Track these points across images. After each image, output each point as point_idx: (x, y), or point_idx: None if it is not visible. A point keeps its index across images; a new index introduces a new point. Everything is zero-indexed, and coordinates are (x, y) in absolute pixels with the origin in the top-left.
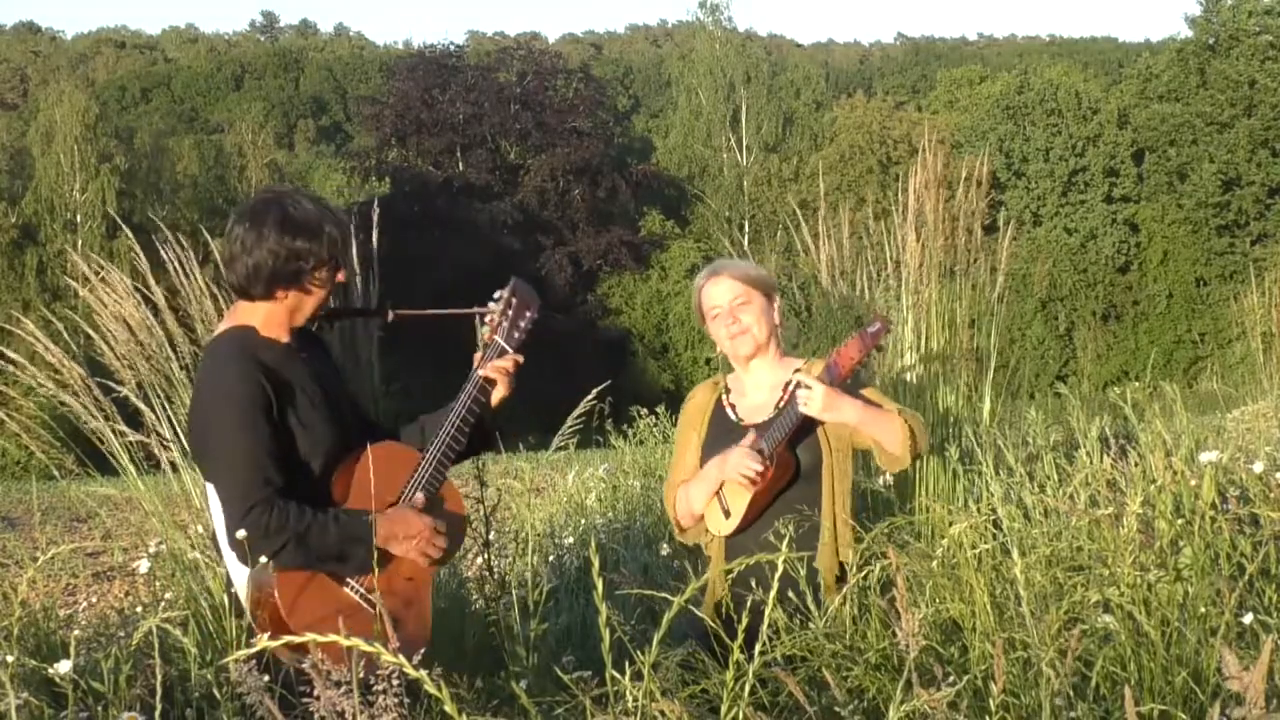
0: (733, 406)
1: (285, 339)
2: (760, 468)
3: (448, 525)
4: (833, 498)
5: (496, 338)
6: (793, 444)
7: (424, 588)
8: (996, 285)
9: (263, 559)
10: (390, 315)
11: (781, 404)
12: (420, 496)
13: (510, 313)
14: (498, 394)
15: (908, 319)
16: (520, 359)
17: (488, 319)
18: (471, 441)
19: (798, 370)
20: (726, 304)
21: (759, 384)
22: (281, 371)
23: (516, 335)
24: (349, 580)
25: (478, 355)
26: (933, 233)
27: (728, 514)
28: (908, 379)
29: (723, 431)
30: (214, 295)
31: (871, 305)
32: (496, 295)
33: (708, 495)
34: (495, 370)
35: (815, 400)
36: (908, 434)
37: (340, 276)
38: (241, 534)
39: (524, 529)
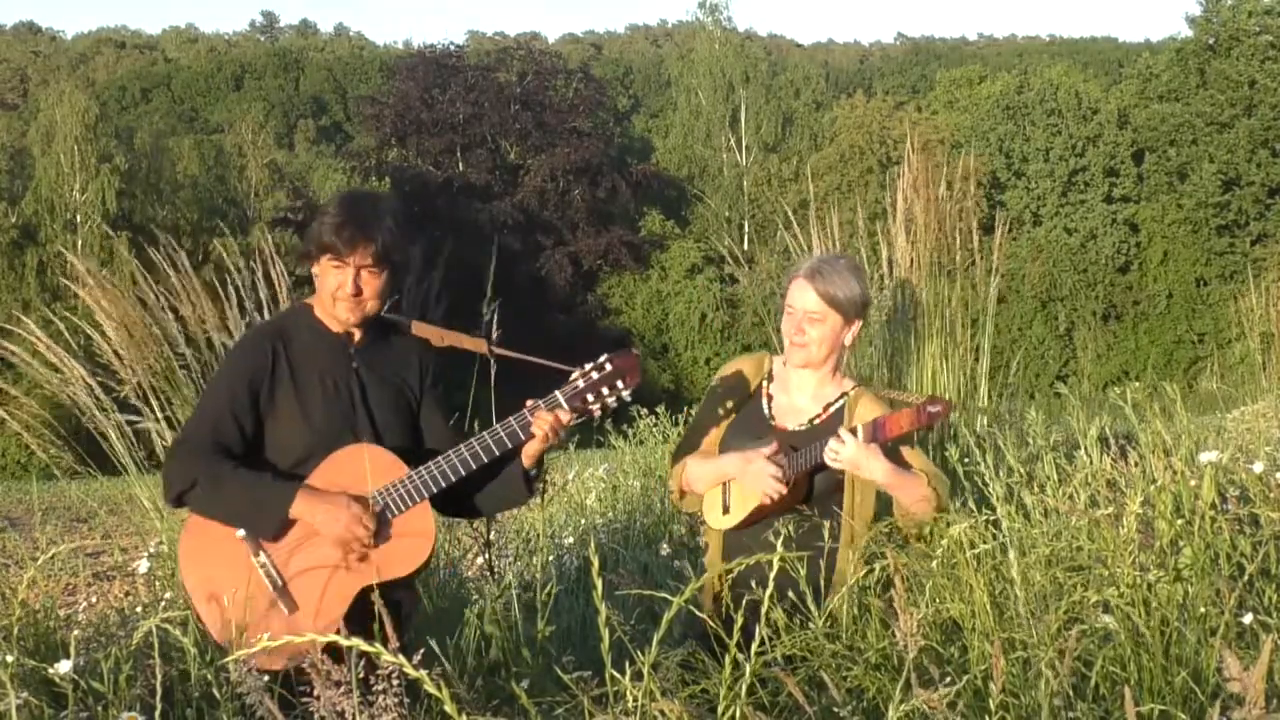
0: (770, 398)
1: (336, 328)
2: (783, 489)
3: (394, 539)
4: (851, 513)
5: (557, 392)
6: (814, 471)
7: (345, 586)
8: (993, 286)
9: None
10: (489, 352)
11: (818, 421)
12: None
13: (595, 375)
14: (532, 446)
15: (901, 319)
16: (567, 418)
17: (572, 376)
18: (495, 489)
19: (844, 395)
20: (801, 311)
21: (803, 388)
22: (305, 351)
23: (586, 401)
24: (263, 550)
25: (529, 402)
26: (922, 232)
27: (727, 510)
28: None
29: (752, 423)
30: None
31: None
32: (602, 359)
33: (714, 483)
34: (537, 421)
35: (844, 457)
36: (932, 502)
37: (345, 286)
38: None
39: (524, 529)
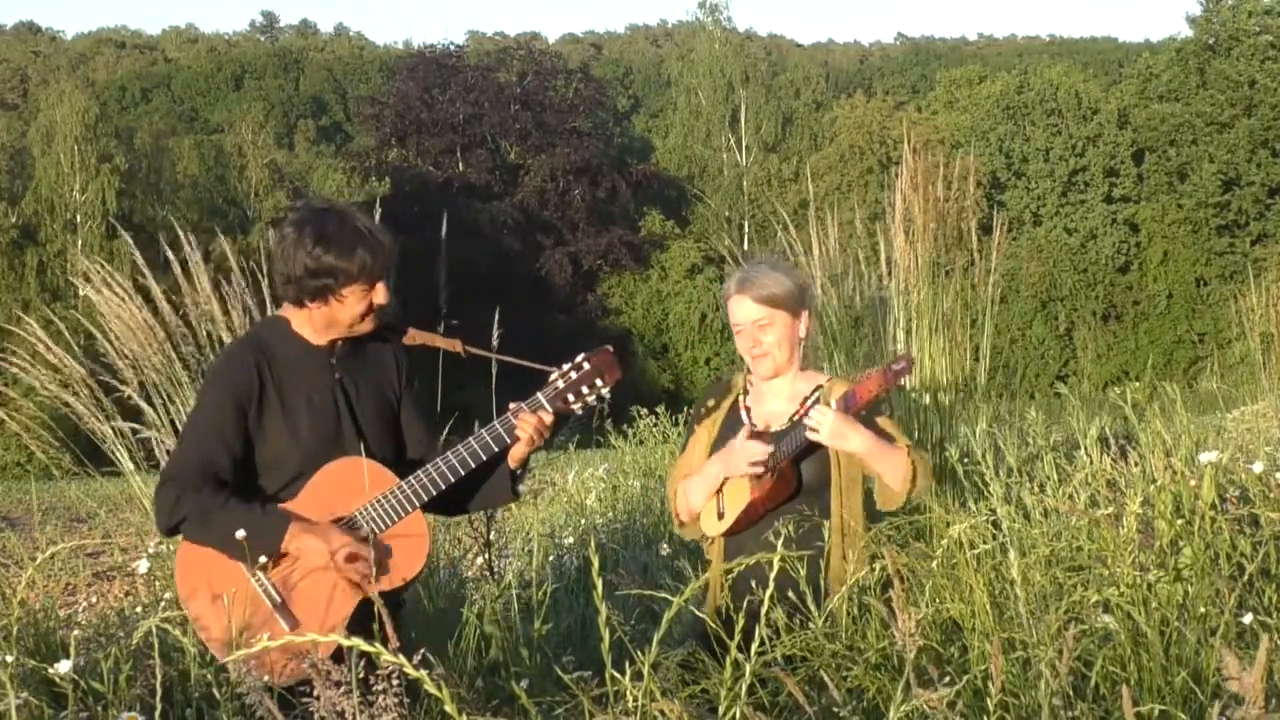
0: (748, 410)
1: (319, 341)
2: (765, 454)
3: (389, 550)
4: (841, 511)
5: (539, 394)
6: (799, 459)
7: (345, 598)
8: (989, 286)
9: (165, 530)
10: (463, 352)
11: (797, 417)
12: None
13: (574, 375)
14: (517, 450)
15: (899, 319)
16: (549, 419)
17: (551, 377)
18: (483, 490)
19: (819, 387)
20: (749, 324)
21: (777, 393)
22: (289, 368)
23: (567, 400)
24: (259, 572)
25: (513, 405)
26: (921, 233)
27: (721, 515)
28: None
29: (734, 433)
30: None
31: (867, 306)
32: (580, 358)
33: (708, 493)
34: (520, 423)
35: (824, 429)
36: (910, 474)
37: (377, 297)
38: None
39: (525, 529)
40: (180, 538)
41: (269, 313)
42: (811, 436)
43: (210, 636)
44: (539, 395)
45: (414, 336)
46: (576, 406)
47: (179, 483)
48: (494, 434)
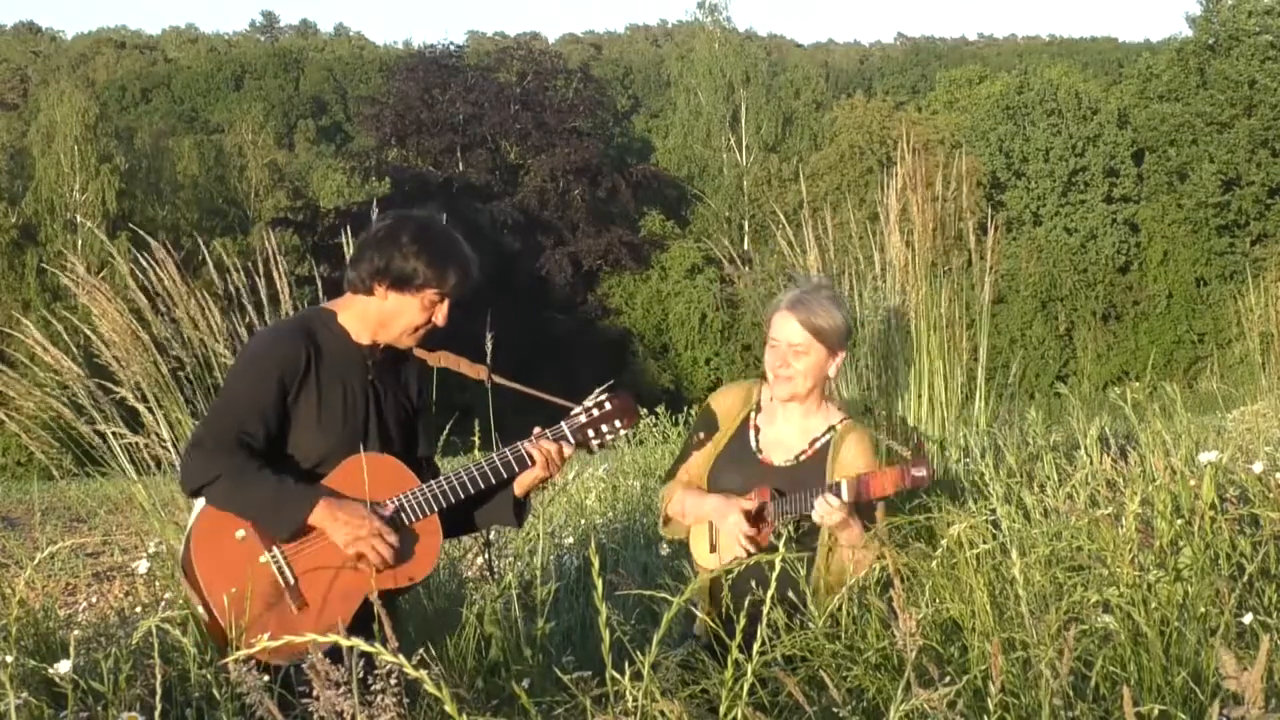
0: (757, 430)
1: (362, 340)
2: (752, 549)
3: (408, 547)
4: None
5: (563, 424)
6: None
7: (358, 587)
8: (986, 286)
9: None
10: (489, 381)
11: (804, 458)
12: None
13: (597, 412)
14: (531, 474)
15: (897, 319)
16: (569, 451)
17: (573, 411)
18: (488, 508)
19: (831, 429)
20: (785, 344)
21: (790, 419)
22: (330, 358)
23: (587, 435)
24: (276, 546)
25: (537, 429)
26: (920, 233)
27: (713, 548)
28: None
29: (738, 454)
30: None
31: (865, 306)
32: (600, 394)
33: (697, 520)
34: (541, 449)
35: (830, 520)
36: (854, 571)
37: (438, 318)
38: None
39: (525, 528)
40: (190, 521)
41: (267, 314)
42: (816, 519)
43: (221, 613)
44: (562, 425)
45: (442, 359)
46: (596, 443)
47: (213, 444)
48: (516, 454)
